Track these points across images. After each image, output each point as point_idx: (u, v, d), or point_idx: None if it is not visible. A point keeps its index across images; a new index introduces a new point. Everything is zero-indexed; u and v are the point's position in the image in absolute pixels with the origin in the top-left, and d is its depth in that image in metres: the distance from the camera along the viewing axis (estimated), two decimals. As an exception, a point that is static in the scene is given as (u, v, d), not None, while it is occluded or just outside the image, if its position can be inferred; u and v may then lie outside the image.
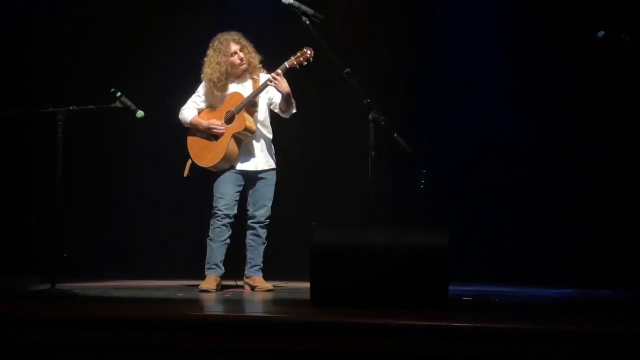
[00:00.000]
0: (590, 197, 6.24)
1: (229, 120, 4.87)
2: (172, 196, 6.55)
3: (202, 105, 5.00)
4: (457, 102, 6.60)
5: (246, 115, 4.85)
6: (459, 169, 6.56)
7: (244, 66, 4.92)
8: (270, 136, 5.03)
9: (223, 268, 4.92)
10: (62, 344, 3.13)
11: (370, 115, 4.28)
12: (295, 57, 4.78)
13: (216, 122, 4.87)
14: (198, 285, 4.91)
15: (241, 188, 4.96)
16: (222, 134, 4.85)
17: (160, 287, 5.14)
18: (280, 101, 4.86)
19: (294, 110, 4.94)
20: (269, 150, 5.00)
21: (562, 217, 6.29)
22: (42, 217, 5.92)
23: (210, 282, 4.84)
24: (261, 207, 4.96)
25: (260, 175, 4.96)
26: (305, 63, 4.77)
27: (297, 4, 4.44)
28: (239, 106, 4.84)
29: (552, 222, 6.31)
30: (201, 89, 5.01)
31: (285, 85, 4.75)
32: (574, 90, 6.25)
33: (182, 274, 5.77)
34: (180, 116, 5.00)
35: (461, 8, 6.62)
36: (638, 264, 5.74)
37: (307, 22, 4.40)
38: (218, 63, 4.85)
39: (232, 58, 4.87)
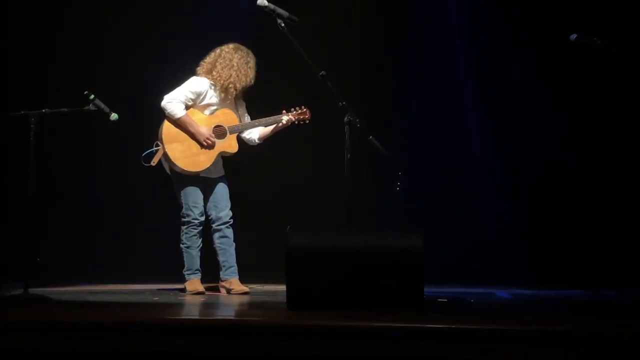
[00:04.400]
0: (566, 198, 6.31)
1: (220, 135, 4.91)
2: (147, 199, 6.51)
3: (190, 103, 4.94)
4: (432, 104, 6.64)
5: (236, 140, 4.98)
6: (435, 171, 6.59)
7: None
8: None
9: (201, 270, 5.00)
10: (35, 349, 3.09)
11: (345, 118, 4.28)
12: (297, 113, 4.97)
13: (212, 135, 4.88)
14: (176, 289, 4.93)
15: (203, 194, 5.01)
16: (213, 148, 4.88)
17: (136, 291, 5.11)
18: (265, 136, 5.07)
19: None
20: (221, 161, 5.06)
21: (537, 218, 6.35)
22: (15, 220, 5.83)
23: (197, 284, 4.92)
24: (224, 208, 5.00)
25: (216, 181, 5.02)
26: (302, 123, 4.98)
27: (272, 6, 4.43)
28: (234, 128, 4.95)
29: (528, 223, 6.37)
30: (198, 87, 4.93)
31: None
32: (545, 91, 6.34)
33: (157, 277, 5.74)
34: (168, 105, 4.86)
35: (433, 11, 6.69)
36: (610, 268, 5.85)
37: (282, 25, 4.40)
38: (247, 76, 4.94)
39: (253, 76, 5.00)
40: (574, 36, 4.28)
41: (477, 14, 6.57)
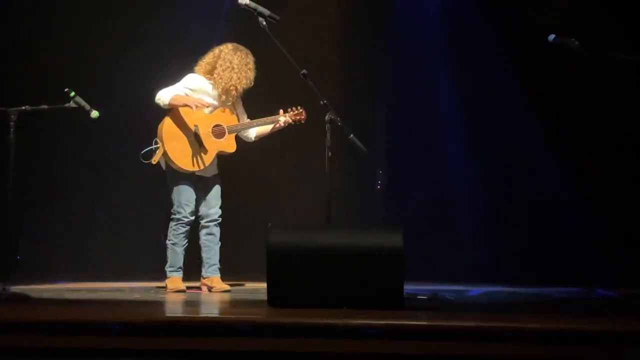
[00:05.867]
0: (540, 198, 6.37)
1: (219, 134, 4.89)
2: (128, 198, 6.47)
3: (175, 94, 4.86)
4: (412, 105, 6.68)
5: (234, 139, 4.95)
6: (414, 170, 6.62)
7: None
8: None
9: (183, 268, 4.97)
10: (14, 347, 3.05)
11: (326, 117, 4.27)
12: (293, 114, 4.98)
13: (202, 100, 4.81)
14: (157, 287, 4.90)
15: (195, 192, 4.98)
16: (206, 137, 4.85)
17: (116, 289, 5.06)
18: (262, 136, 5.10)
19: None
20: (216, 160, 5.02)
21: (513, 218, 6.40)
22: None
23: (178, 282, 4.89)
24: (214, 206, 4.99)
25: (210, 179, 5.00)
26: (297, 123, 5.00)
27: (253, 4, 4.42)
28: (233, 128, 4.94)
29: (503, 223, 6.41)
30: (194, 84, 4.90)
31: None
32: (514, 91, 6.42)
33: (138, 275, 5.70)
34: (158, 95, 4.78)
35: (415, 13, 6.74)
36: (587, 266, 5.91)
37: (264, 23, 4.38)
38: (247, 78, 4.93)
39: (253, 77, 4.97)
40: (552, 37, 4.31)
41: (458, 19, 6.63)
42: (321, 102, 4.30)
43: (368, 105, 6.67)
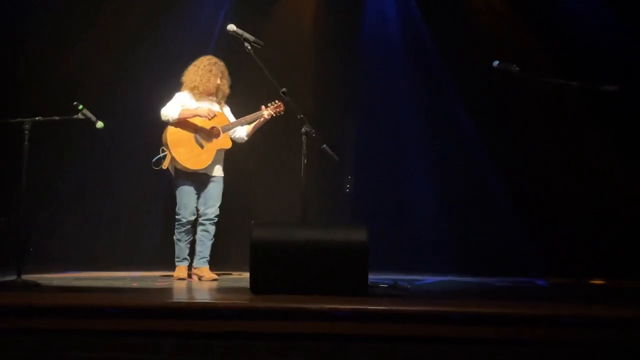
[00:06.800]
0: (488, 199, 6.44)
1: (215, 135, 4.93)
2: (129, 197, 6.42)
3: (181, 109, 4.92)
4: (377, 119, 6.72)
5: (229, 137, 5.00)
6: (379, 175, 6.66)
7: (215, 91, 5.02)
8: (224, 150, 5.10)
9: (189, 258, 4.99)
10: (25, 328, 3.02)
11: (303, 129, 4.28)
12: (273, 107, 4.98)
13: (211, 110, 4.85)
14: (159, 276, 4.92)
15: (197, 193, 4.96)
16: (208, 138, 4.87)
17: (117, 277, 5.02)
18: (251, 132, 5.07)
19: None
20: (221, 162, 5.03)
21: (463, 216, 6.46)
22: (10, 215, 5.70)
23: (182, 271, 4.92)
24: (211, 206, 4.98)
25: (211, 180, 4.98)
26: (279, 114, 5.00)
27: (240, 31, 4.42)
28: (226, 127, 4.98)
29: (455, 220, 6.47)
30: (181, 98, 4.95)
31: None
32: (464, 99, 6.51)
33: (136, 266, 5.66)
34: (164, 112, 4.84)
35: (379, 39, 6.80)
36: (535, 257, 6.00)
37: (249, 48, 4.39)
38: (209, 80, 4.94)
39: (219, 82, 4.98)
40: (496, 63, 4.38)
41: (417, 43, 6.71)
42: (298, 116, 4.31)
43: (339, 119, 6.69)
